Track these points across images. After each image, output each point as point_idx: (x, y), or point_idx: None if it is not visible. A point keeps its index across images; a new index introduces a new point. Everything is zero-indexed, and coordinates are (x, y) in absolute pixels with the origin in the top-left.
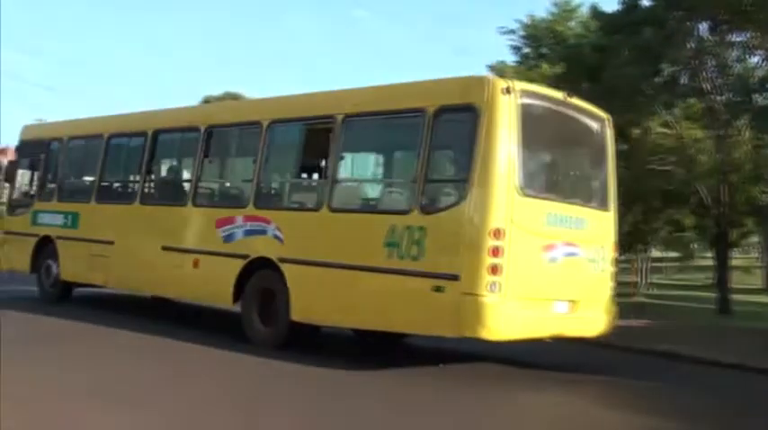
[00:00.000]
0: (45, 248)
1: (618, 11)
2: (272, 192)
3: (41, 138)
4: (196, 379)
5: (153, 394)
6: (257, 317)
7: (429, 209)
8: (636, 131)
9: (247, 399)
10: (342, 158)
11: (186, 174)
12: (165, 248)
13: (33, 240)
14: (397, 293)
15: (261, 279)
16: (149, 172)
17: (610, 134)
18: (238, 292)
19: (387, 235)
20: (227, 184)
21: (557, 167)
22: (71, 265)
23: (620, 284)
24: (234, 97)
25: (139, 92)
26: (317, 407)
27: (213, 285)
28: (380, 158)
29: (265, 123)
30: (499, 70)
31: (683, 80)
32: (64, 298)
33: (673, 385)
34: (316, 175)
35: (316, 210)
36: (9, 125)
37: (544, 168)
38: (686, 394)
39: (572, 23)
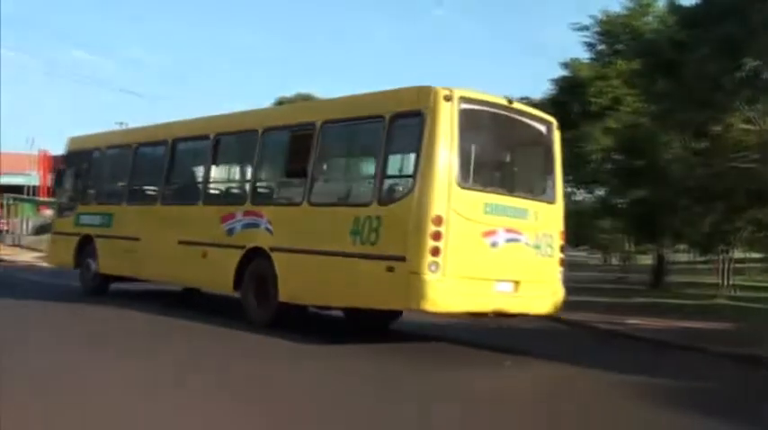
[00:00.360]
0: (86, 246)
1: (696, 4)
2: (265, 190)
3: (84, 148)
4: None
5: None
6: (254, 300)
7: (384, 201)
8: (716, 128)
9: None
10: (319, 159)
11: (198, 177)
12: (180, 242)
13: (76, 239)
14: (359, 274)
15: (256, 266)
16: (169, 176)
17: (556, 136)
18: (239, 279)
19: (352, 224)
20: (231, 185)
21: (497, 164)
22: (107, 260)
23: (700, 286)
24: (305, 98)
25: (219, 94)
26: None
27: (218, 273)
28: (350, 159)
29: (260, 131)
30: (573, 67)
31: (766, 74)
32: (102, 290)
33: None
34: (300, 175)
35: (298, 204)
36: (95, 129)
37: (483, 164)
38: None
39: (648, 18)
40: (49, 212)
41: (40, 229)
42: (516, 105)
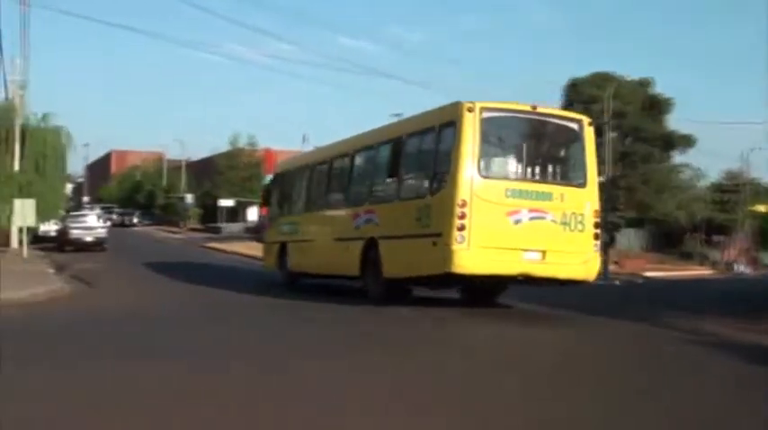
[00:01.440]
0: (283, 251)
1: None
2: (376, 192)
3: (283, 169)
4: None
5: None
6: (371, 279)
7: (433, 192)
8: None
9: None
10: (403, 165)
11: (342, 187)
12: (334, 240)
13: (277, 245)
14: (419, 249)
15: (370, 252)
16: (328, 187)
17: (587, 131)
18: (363, 265)
19: (417, 212)
20: (359, 190)
21: (523, 157)
22: (294, 260)
23: None
24: (603, 78)
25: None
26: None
27: (350, 261)
28: (421, 161)
29: (373, 146)
30: None
31: None
32: (294, 285)
33: None
34: (393, 177)
35: (391, 201)
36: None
37: (507, 157)
38: None
39: None
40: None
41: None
42: (541, 109)
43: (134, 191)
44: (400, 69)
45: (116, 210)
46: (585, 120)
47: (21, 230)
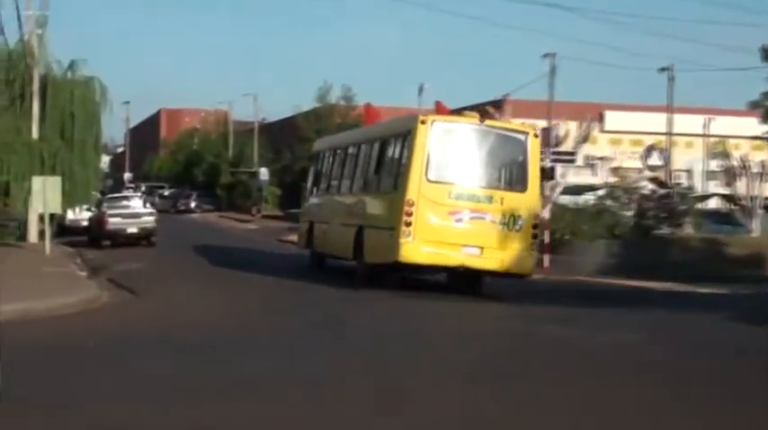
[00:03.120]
0: (311, 231)
1: None
2: (366, 184)
3: (317, 148)
4: None
5: None
6: (360, 264)
7: (395, 190)
8: None
9: None
10: (381, 164)
11: (351, 173)
12: (341, 225)
13: (306, 225)
14: (384, 239)
15: (360, 239)
16: (341, 173)
17: (532, 142)
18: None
19: (386, 206)
20: (361, 179)
21: (469, 164)
22: (317, 241)
23: None
24: None
25: None
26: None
27: (347, 245)
28: (394, 163)
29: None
30: None
31: None
32: (319, 265)
33: None
34: (377, 172)
35: (373, 194)
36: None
37: (454, 164)
38: None
39: None
40: None
41: None
42: (489, 122)
43: (190, 164)
44: None
45: (166, 190)
46: (532, 131)
47: (42, 219)
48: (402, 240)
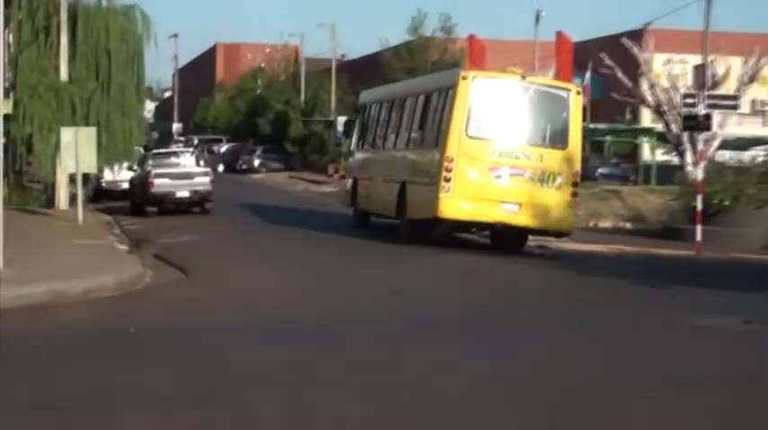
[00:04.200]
0: (355, 187)
1: None
2: (410, 140)
3: (362, 100)
4: None
5: None
6: (402, 220)
7: (433, 146)
8: None
9: None
10: (426, 119)
11: (398, 129)
12: (384, 181)
13: (350, 181)
14: (427, 195)
15: (403, 196)
16: (386, 128)
17: (574, 99)
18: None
19: (429, 162)
20: (406, 134)
21: (506, 120)
22: (360, 199)
23: None
24: None
25: None
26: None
27: (390, 202)
28: (436, 118)
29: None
30: None
31: None
32: (363, 223)
33: None
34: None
35: (417, 150)
36: None
37: (490, 121)
38: None
39: None
40: None
41: None
42: (530, 78)
43: (253, 112)
44: None
45: (224, 144)
46: (574, 88)
47: (73, 180)
48: (441, 195)
